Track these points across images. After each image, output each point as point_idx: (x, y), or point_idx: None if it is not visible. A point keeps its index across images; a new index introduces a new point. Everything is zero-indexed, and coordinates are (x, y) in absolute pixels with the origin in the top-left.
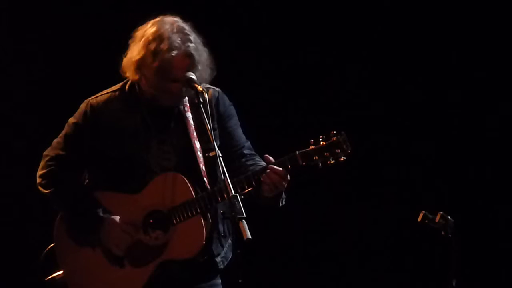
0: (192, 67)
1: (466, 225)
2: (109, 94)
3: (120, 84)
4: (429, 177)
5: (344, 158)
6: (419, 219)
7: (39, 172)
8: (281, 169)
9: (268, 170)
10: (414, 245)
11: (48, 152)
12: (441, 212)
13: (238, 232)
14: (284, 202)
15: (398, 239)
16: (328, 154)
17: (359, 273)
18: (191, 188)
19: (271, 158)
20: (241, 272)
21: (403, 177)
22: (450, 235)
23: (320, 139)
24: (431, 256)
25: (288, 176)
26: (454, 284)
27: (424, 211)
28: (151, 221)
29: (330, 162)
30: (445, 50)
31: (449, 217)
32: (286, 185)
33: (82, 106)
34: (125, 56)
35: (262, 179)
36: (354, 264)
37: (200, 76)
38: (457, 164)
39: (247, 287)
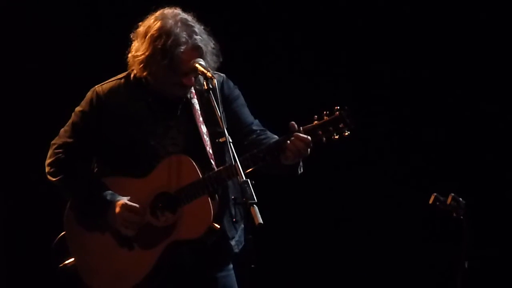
0: (201, 58)
1: (478, 206)
2: (115, 81)
3: (126, 72)
4: (440, 159)
5: (348, 133)
6: (430, 201)
7: (47, 161)
8: (307, 137)
9: (293, 138)
10: (426, 227)
11: (56, 140)
12: (453, 194)
13: (250, 218)
14: (302, 170)
15: (410, 221)
16: (332, 129)
17: (370, 255)
18: (197, 169)
19: (295, 125)
20: (253, 257)
21: (415, 159)
22: (461, 217)
23: (324, 114)
24: (443, 238)
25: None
26: (466, 265)
27: (435, 193)
28: (160, 204)
29: (334, 137)
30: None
31: (460, 199)
32: (308, 153)
33: (89, 94)
34: (129, 53)
35: (286, 145)
36: (366, 246)
37: (208, 65)
38: (468, 146)
39: (259, 272)
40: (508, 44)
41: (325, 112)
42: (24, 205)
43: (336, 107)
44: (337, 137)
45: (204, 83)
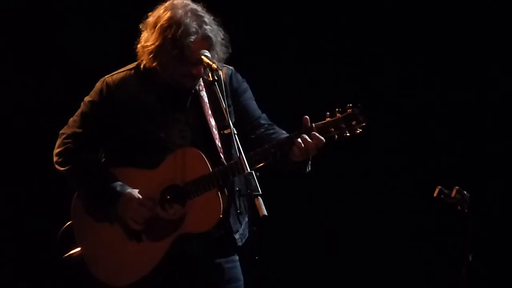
0: (211, 48)
1: (482, 199)
2: (125, 72)
3: (136, 62)
4: (445, 152)
5: (360, 130)
6: (435, 194)
7: (56, 150)
8: (322, 138)
9: (305, 135)
10: (430, 220)
11: (65, 130)
12: (457, 187)
13: (254, 209)
14: (310, 168)
15: (414, 214)
16: (344, 126)
17: (374, 247)
18: (207, 163)
19: (309, 121)
20: (258, 249)
21: (419, 152)
22: (466, 210)
23: (336, 111)
24: (447, 231)
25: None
26: (470, 258)
27: (440, 186)
28: (168, 196)
29: (346, 135)
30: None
31: (465, 192)
32: (315, 153)
33: (98, 84)
34: (138, 43)
35: (295, 142)
36: (370, 238)
37: (216, 55)
38: (473, 139)
39: (263, 263)
40: (508, 42)
41: (337, 109)
42: (31, 194)
43: (348, 105)
44: (348, 134)
45: (210, 74)
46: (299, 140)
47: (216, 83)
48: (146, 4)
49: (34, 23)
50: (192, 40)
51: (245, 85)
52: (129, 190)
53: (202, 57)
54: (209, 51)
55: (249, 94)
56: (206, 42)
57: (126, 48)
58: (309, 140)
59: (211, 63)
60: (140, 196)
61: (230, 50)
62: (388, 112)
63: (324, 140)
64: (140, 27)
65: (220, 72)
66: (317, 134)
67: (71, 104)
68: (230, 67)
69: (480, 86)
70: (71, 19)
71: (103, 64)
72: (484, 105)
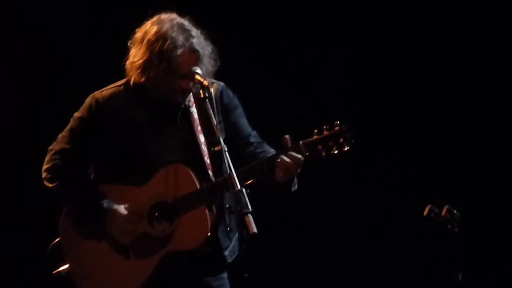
0: (198, 61)
1: (472, 218)
2: (114, 88)
3: (125, 79)
4: (435, 171)
5: (348, 147)
6: (425, 213)
7: (44, 167)
8: (298, 156)
9: (283, 155)
10: (420, 239)
11: (53, 146)
12: (447, 206)
13: (244, 227)
14: (296, 187)
15: (404, 233)
16: (331, 143)
17: (364, 266)
18: (195, 180)
19: (288, 141)
20: (247, 266)
21: (409, 171)
22: (456, 229)
23: (324, 129)
24: (437, 250)
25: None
26: (460, 278)
27: (430, 205)
28: (156, 213)
29: (333, 152)
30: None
31: (455, 211)
32: (298, 170)
33: (87, 100)
34: (127, 60)
35: (276, 163)
36: (360, 257)
37: (205, 68)
38: (463, 158)
39: (253, 281)
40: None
41: (325, 126)
42: (20, 210)
43: (336, 122)
44: (336, 152)
45: (201, 91)
46: (278, 160)
47: (207, 100)
48: (135, 20)
49: (26, 35)
50: (179, 53)
51: (236, 101)
52: (116, 206)
53: (195, 75)
54: (196, 64)
55: (239, 111)
56: (194, 54)
57: (117, 64)
58: (287, 160)
59: (202, 80)
60: (129, 212)
61: (218, 63)
62: (378, 128)
63: (302, 158)
64: (129, 44)
65: (212, 89)
66: (293, 154)
67: (60, 120)
68: (221, 83)
69: (472, 104)
70: (62, 34)
71: (93, 80)
72: (475, 123)
